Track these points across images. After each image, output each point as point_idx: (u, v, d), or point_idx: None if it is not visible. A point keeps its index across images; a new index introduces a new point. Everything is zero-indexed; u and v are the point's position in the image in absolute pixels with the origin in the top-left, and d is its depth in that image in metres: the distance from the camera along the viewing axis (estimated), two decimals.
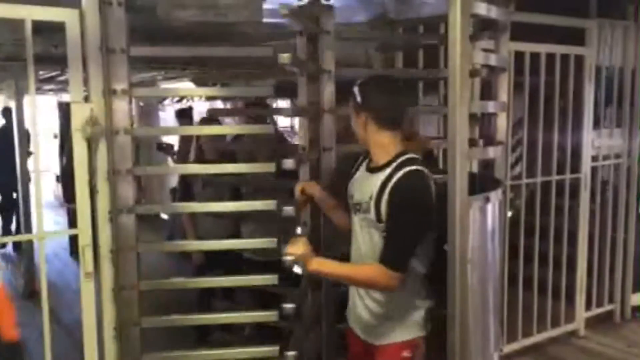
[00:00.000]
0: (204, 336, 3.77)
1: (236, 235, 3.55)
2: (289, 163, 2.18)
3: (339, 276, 2.01)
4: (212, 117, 4.20)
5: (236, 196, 3.47)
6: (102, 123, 2.12)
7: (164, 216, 6.86)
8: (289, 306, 2.17)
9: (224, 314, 2.48)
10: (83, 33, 2.11)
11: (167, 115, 8.86)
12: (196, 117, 6.84)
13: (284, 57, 2.08)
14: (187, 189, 3.85)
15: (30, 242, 5.36)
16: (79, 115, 2.10)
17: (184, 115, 6.60)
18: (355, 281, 2.01)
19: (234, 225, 3.63)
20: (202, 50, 2.54)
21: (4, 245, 6.79)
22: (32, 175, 5.65)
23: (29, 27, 2.07)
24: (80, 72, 2.13)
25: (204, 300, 3.81)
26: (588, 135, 4.07)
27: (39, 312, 2.29)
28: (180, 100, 8.52)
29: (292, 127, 9.32)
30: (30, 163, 5.69)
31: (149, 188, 8.35)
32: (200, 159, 4.26)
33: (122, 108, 2.17)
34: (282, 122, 9.09)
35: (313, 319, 2.54)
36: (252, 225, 3.49)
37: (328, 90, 2.47)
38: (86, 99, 2.16)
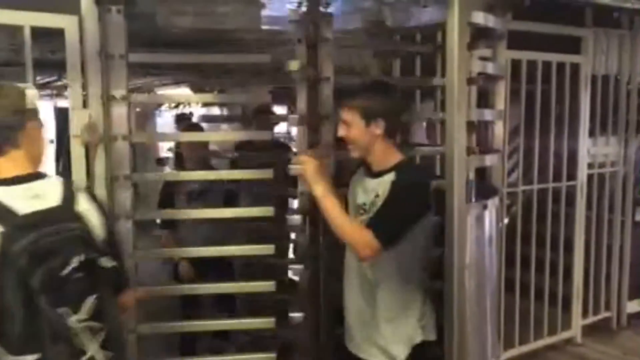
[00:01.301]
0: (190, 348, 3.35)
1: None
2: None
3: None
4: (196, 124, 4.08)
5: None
6: (100, 129, 2.12)
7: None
8: (297, 315, 2.18)
9: (222, 321, 2.47)
10: (82, 39, 2.11)
11: (164, 121, 8.85)
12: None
13: (293, 64, 2.10)
14: (167, 199, 3.55)
15: None
16: (78, 121, 2.10)
17: (184, 121, 6.60)
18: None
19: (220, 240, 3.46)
20: (200, 57, 2.54)
21: None
22: None
23: (28, 33, 2.08)
24: (79, 78, 2.13)
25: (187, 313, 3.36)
26: (584, 142, 4.09)
27: None
28: (177, 106, 8.52)
29: (288, 132, 9.31)
30: None
31: (144, 195, 8.31)
32: (180, 167, 4.00)
33: (120, 114, 2.17)
34: (278, 127, 9.06)
35: (313, 329, 2.53)
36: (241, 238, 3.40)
37: (326, 98, 2.49)
38: (84, 104, 2.16)
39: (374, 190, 2.07)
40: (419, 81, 3.28)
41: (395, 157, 2.10)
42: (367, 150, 2.09)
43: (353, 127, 2.06)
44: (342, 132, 2.11)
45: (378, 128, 2.04)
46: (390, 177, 2.04)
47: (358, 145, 2.09)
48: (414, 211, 1.98)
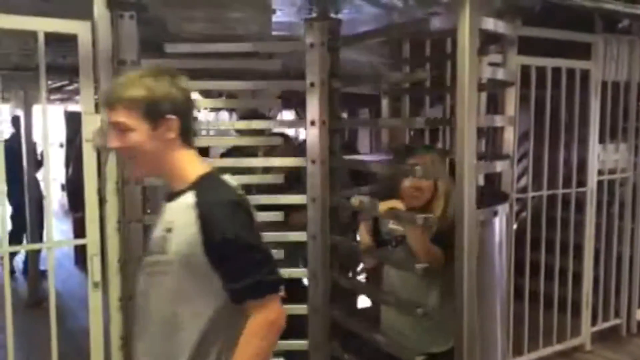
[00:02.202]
0: None
1: None
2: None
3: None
4: None
5: None
6: None
7: None
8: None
9: None
10: (95, 45, 2.14)
11: None
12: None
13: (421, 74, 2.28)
14: None
15: (35, 251, 5.36)
16: (90, 126, 2.12)
17: None
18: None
19: None
20: (211, 62, 2.56)
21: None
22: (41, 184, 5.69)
23: (41, 39, 2.10)
24: (91, 83, 2.16)
25: None
26: (594, 149, 4.07)
27: (43, 321, 2.29)
28: None
29: (295, 138, 9.32)
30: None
31: (153, 198, 8.34)
32: None
33: None
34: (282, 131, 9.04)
35: (321, 338, 2.54)
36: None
37: (335, 103, 2.50)
38: (96, 109, 2.18)
39: (167, 220, 1.47)
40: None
41: (196, 168, 1.50)
42: (158, 166, 1.49)
43: (135, 132, 1.42)
44: (114, 142, 1.45)
45: (171, 130, 1.44)
46: (187, 199, 1.43)
47: (144, 160, 1.47)
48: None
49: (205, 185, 1.46)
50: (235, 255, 1.41)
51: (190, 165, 1.50)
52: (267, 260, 1.46)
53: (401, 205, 2.16)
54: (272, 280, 1.44)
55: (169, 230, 1.44)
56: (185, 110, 1.47)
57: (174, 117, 1.44)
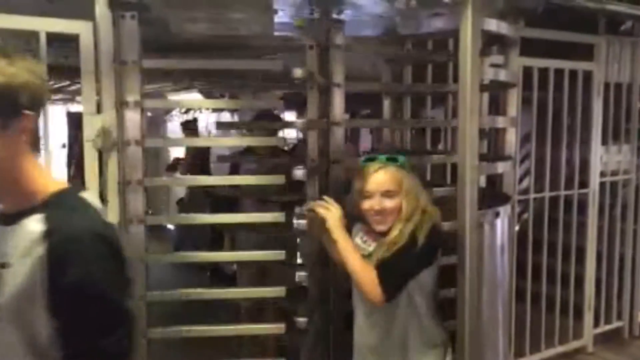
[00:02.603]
0: None
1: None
2: (299, 174, 2.17)
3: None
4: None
5: (215, 209, 3.40)
6: (113, 134, 2.14)
7: (170, 227, 6.88)
8: (301, 320, 2.16)
9: (231, 326, 2.47)
10: (96, 45, 2.13)
11: (175, 126, 8.91)
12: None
13: (298, 72, 2.08)
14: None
15: None
16: (91, 127, 2.12)
17: (190, 127, 6.66)
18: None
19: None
20: (213, 62, 2.56)
21: None
22: None
23: (43, 39, 2.10)
24: (93, 84, 2.15)
25: None
26: (596, 150, 4.07)
27: None
28: (187, 112, 8.57)
29: (298, 139, 9.34)
30: None
31: (154, 199, 8.36)
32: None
33: (133, 119, 2.18)
34: (287, 133, 9.09)
35: (320, 332, 2.53)
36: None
37: (337, 103, 2.49)
38: (98, 109, 2.18)
39: (1, 252, 1.10)
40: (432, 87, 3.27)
41: (48, 183, 1.16)
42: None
43: None
44: None
45: (26, 130, 1.10)
46: (33, 225, 1.08)
47: None
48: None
49: (60, 207, 1.10)
50: (80, 308, 1.05)
51: (40, 179, 1.13)
52: (119, 321, 1.10)
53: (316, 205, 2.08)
54: (116, 351, 1.08)
55: (3, 265, 1.08)
56: (41, 106, 1.15)
57: (31, 113, 1.10)
